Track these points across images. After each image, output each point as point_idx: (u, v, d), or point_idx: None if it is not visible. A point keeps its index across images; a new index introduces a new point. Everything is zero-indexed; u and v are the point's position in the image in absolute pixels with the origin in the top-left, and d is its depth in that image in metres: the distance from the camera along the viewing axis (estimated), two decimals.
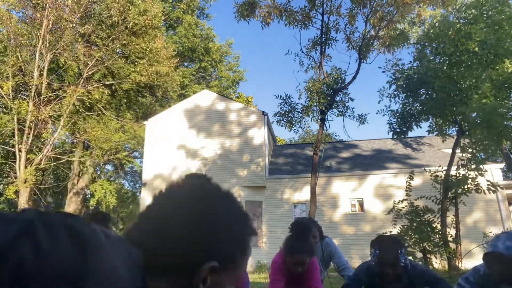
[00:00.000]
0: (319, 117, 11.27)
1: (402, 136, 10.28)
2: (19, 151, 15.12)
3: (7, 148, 16.21)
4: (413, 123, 9.87)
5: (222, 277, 0.62)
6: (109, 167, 26.11)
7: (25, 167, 14.87)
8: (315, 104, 10.95)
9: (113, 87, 19.15)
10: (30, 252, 0.40)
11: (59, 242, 0.43)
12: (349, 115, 11.42)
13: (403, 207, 9.21)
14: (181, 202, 0.65)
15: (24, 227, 0.42)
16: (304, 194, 14.96)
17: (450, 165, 9.45)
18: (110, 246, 0.48)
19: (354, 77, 11.45)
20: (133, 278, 0.51)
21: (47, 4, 15.49)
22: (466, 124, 9.36)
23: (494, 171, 14.00)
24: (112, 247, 0.49)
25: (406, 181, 9.49)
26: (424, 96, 9.75)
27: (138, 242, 0.59)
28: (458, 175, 9.05)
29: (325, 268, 3.52)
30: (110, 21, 17.07)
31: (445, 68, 9.41)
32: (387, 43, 11.72)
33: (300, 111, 11.43)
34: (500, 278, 2.09)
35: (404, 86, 9.84)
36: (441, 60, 9.69)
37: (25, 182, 14.39)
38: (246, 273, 2.49)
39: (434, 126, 10.56)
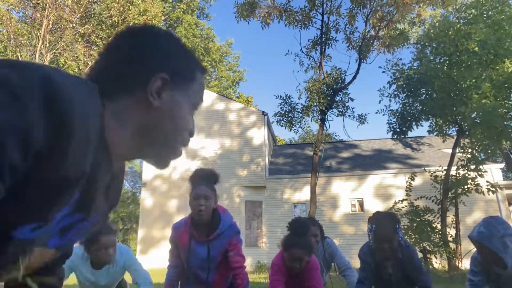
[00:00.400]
0: (319, 117, 11.27)
1: (402, 136, 10.28)
2: None
3: None
4: (413, 123, 9.87)
5: (175, 94, 0.73)
6: None
7: None
8: (315, 104, 10.95)
9: None
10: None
11: (27, 98, 0.50)
12: (349, 115, 11.43)
13: (403, 207, 9.22)
14: (129, 32, 0.75)
15: None
16: (304, 194, 14.96)
17: (450, 165, 9.46)
18: (69, 83, 0.57)
19: (354, 77, 11.45)
20: (94, 104, 0.62)
21: (47, 4, 15.50)
22: (466, 124, 9.36)
23: (494, 171, 13.99)
24: (71, 83, 0.58)
25: (407, 182, 9.50)
26: (424, 96, 9.76)
27: (95, 76, 0.70)
28: (458, 175, 9.05)
29: (327, 269, 3.49)
30: (110, 21, 17.08)
31: (445, 68, 9.41)
32: (387, 43, 11.72)
33: (300, 111, 11.44)
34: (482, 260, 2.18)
35: (404, 86, 9.84)
36: (441, 60, 9.69)
37: None
38: (244, 257, 2.47)
39: (434, 126, 10.56)
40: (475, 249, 2.43)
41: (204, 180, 2.43)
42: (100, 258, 2.40)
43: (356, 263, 3.26)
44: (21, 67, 0.54)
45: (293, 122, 11.46)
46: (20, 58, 15.74)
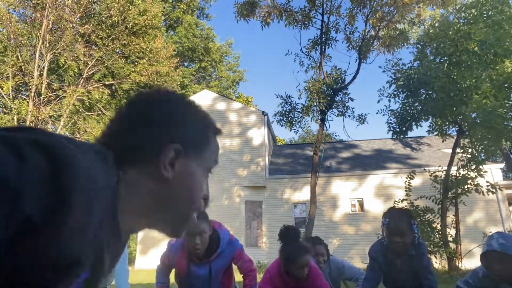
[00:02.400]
0: (319, 117, 11.27)
1: (402, 136, 10.28)
2: None
3: None
4: (413, 123, 9.87)
5: (189, 163, 0.69)
6: None
7: None
8: (315, 104, 10.95)
9: (113, 87, 19.15)
10: (7, 170, 0.42)
11: (27, 158, 0.44)
12: (349, 115, 11.43)
13: (403, 207, 9.21)
14: (140, 99, 0.72)
15: None
16: (304, 194, 14.96)
17: (450, 165, 9.45)
18: (80, 151, 0.52)
19: (354, 77, 11.45)
20: (107, 176, 0.56)
21: (47, 4, 15.50)
22: (466, 124, 9.35)
23: (494, 171, 14.00)
24: (82, 151, 0.53)
25: (405, 181, 9.49)
26: (424, 96, 9.75)
27: (107, 144, 0.66)
28: (458, 175, 9.05)
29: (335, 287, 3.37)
30: (110, 21, 17.07)
31: (445, 68, 9.40)
32: (387, 43, 11.72)
33: (300, 111, 11.44)
34: (499, 277, 2.10)
35: (404, 86, 9.84)
36: (441, 60, 9.69)
37: None
38: (251, 260, 2.46)
39: (434, 126, 10.56)
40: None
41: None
42: None
43: (356, 263, 3.23)
44: (26, 131, 0.49)
45: (293, 122, 11.46)
46: (20, 58, 15.75)
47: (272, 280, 2.40)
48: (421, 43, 10.49)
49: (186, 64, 28.76)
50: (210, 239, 2.31)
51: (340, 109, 11.42)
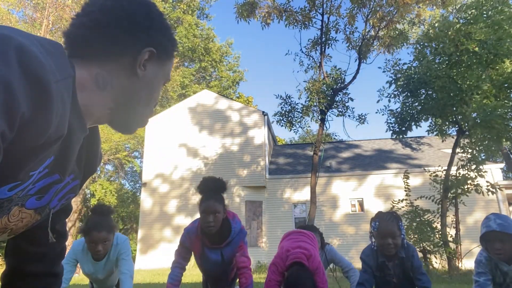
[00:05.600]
0: (319, 117, 11.27)
1: (401, 136, 10.27)
2: None
3: None
4: (413, 123, 9.87)
5: (156, 68, 0.77)
6: (109, 167, 26.13)
7: None
8: (315, 104, 10.95)
9: None
10: None
11: (11, 63, 0.51)
12: (349, 115, 11.44)
13: (402, 207, 9.21)
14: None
15: None
16: (304, 194, 14.96)
17: (450, 165, 9.45)
18: (43, 48, 0.58)
19: (354, 77, 11.46)
20: (67, 67, 0.62)
21: (47, 4, 15.51)
22: (466, 124, 9.35)
23: (494, 171, 13.99)
24: (45, 48, 0.59)
25: (403, 181, 9.51)
26: (424, 96, 9.75)
27: (81, 37, 0.70)
28: (458, 175, 9.05)
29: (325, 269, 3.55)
30: None
31: (445, 68, 9.40)
32: (387, 43, 11.72)
33: (300, 111, 11.44)
34: (499, 256, 2.20)
35: (404, 86, 9.83)
36: (441, 60, 9.68)
37: None
38: (249, 258, 2.51)
39: (434, 126, 10.56)
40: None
41: (213, 191, 2.39)
42: (91, 251, 2.49)
43: (356, 263, 3.26)
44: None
45: (293, 122, 11.46)
46: None
47: (278, 271, 2.49)
48: (421, 43, 10.49)
49: (186, 64, 28.77)
50: (222, 224, 2.38)
51: (340, 109, 11.43)
